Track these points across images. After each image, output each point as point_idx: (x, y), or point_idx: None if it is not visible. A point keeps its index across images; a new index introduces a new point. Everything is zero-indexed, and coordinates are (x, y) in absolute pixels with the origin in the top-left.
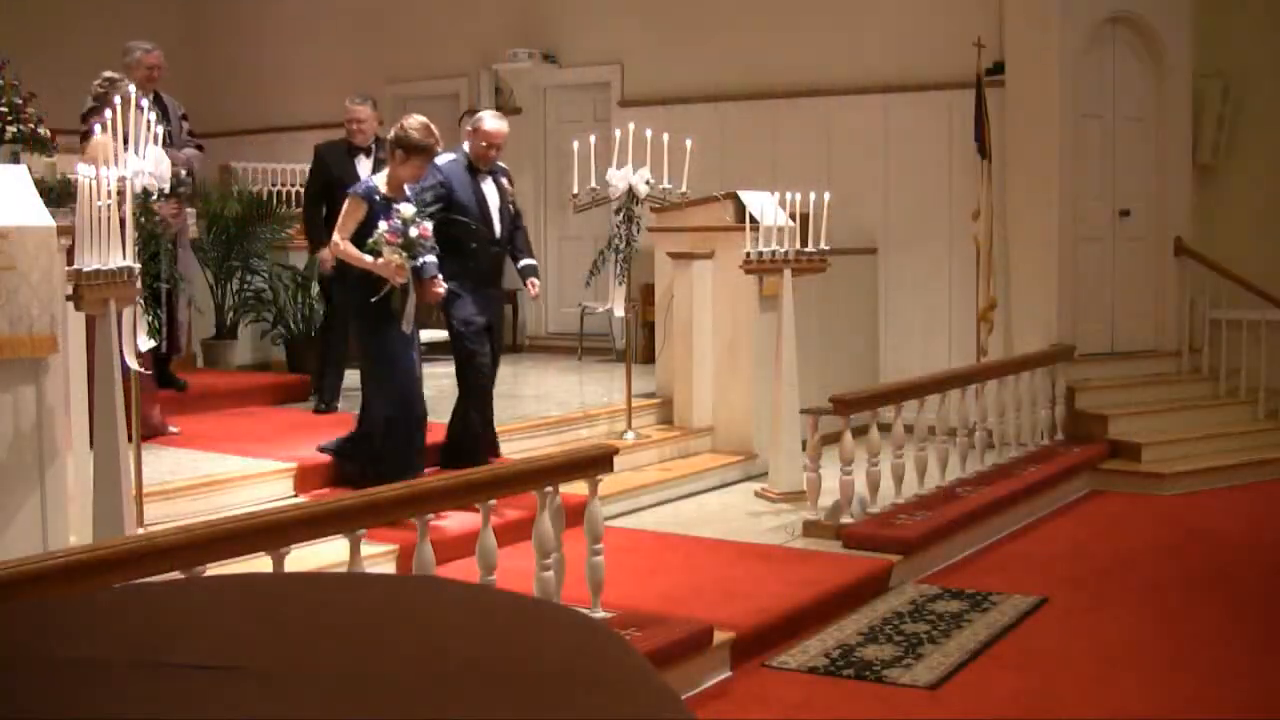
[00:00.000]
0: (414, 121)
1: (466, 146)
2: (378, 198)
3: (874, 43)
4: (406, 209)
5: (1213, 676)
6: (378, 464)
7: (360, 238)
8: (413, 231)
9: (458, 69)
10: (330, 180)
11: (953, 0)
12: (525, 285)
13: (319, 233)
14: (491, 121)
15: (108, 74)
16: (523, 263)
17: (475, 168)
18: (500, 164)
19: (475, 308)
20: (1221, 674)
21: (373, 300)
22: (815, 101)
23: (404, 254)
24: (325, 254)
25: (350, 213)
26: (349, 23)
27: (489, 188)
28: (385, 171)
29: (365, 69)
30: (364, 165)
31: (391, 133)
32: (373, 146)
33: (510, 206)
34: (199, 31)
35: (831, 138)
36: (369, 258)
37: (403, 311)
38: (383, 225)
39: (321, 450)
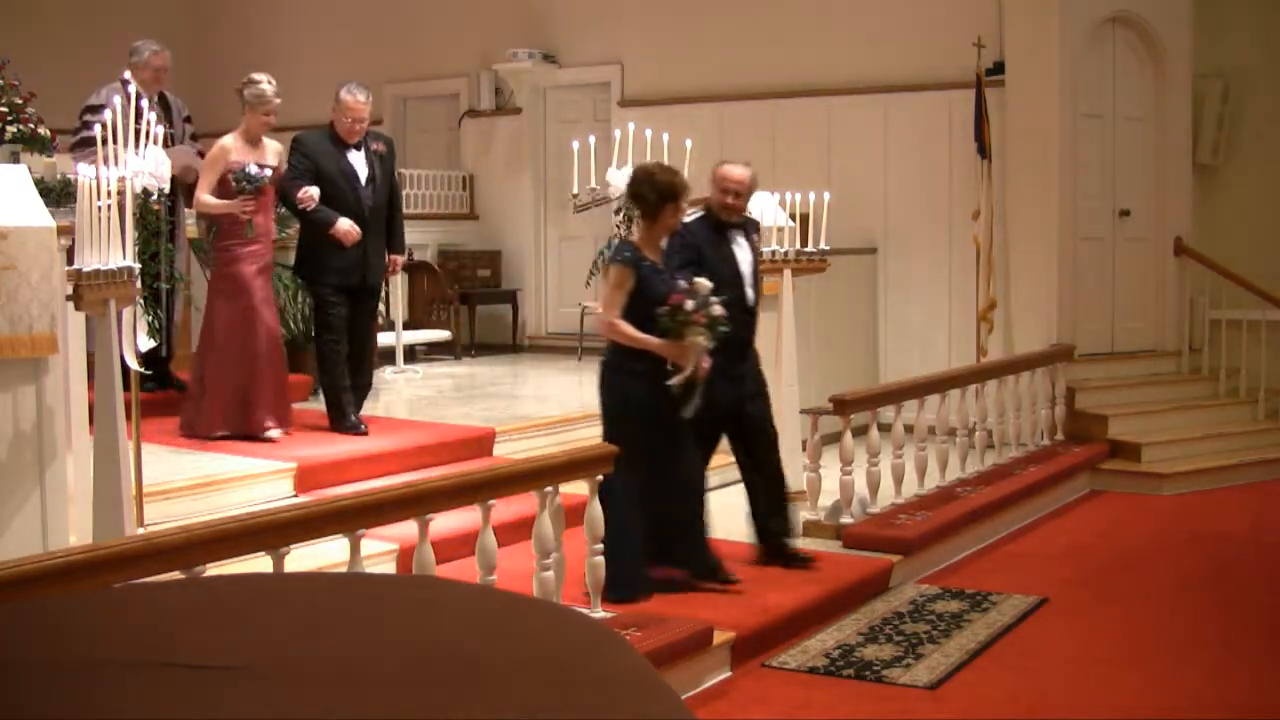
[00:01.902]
0: (652, 165)
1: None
2: (645, 264)
3: (874, 43)
4: (703, 281)
5: (1213, 676)
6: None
7: (636, 313)
8: (716, 309)
9: (458, 69)
10: (319, 174)
11: (953, 0)
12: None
13: (307, 218)
14: (733, 169)
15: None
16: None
17: (723, 223)
18: (750, 216)
19: (722, 386)
20: (1221, 674)
21: (668, 384)
22: (815, 101)
23: (708, 334)
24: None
25: (618, 285)
26: (349, 23)
27: (739, 246)
28: (635, 233)
29: (365, 69)
30: (358, 159)
31: (626, 183)
32: (363, 140)
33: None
34: (199, 31)
35: (831, 138)
36: (646, 338)
37: (690, 399)
38: (689, 303)
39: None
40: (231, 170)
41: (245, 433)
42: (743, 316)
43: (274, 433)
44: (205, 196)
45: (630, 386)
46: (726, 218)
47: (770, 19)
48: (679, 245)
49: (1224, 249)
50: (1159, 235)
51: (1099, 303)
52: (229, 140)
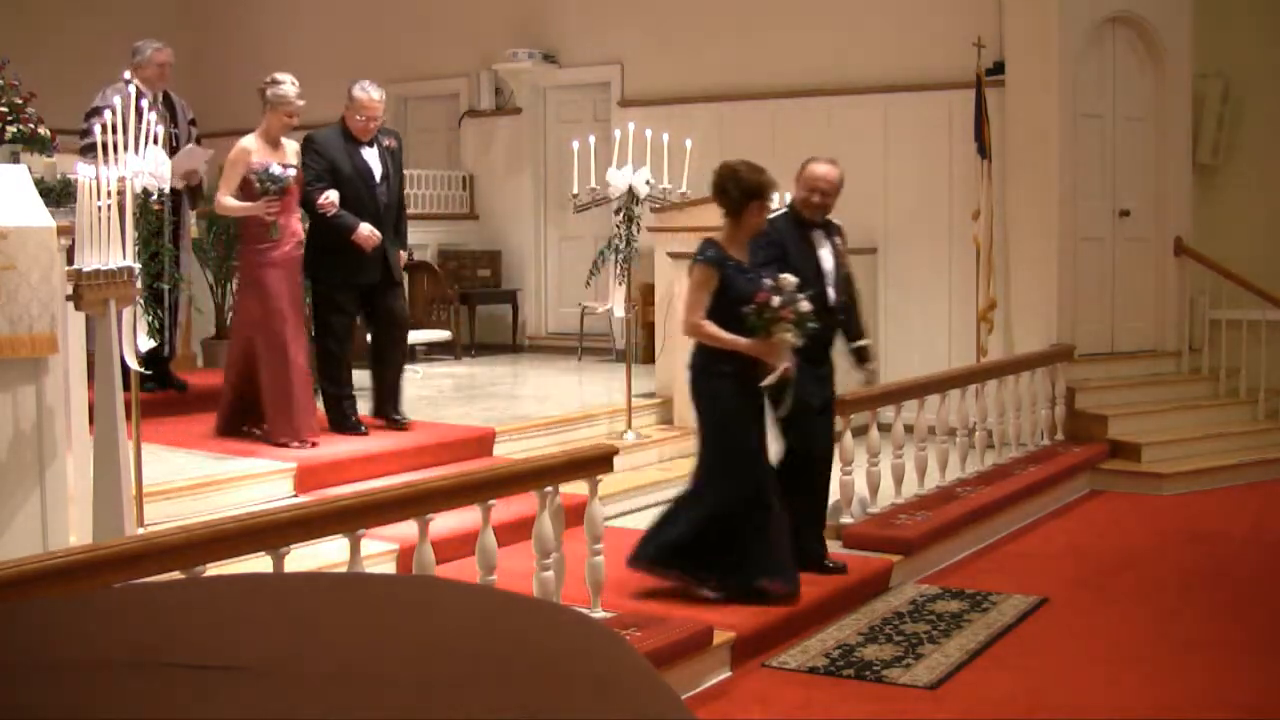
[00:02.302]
0: (737, 161)
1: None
2: (730, 263)
3: (874, 43)
4: (789, 277)
5: (1213, 676)
6: (715, 569)
7: (720, 313)
8: (804, 305)
9: (458, 69)
10: (335, 173)
11: (953, 0)
12: (862, 371)
13: (327, 223)
14: (820, 166)
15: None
16: (856, 344)
17: (804, 220)
18: (834, 219)
19: (809, 388)
20: (1221, 673)
21: (762, 385)
22: (815, 101)
23: (796, 331)
24: (366, 233)
25: (702, 284)
26: (349, 22)
27: (823, 246)
28: (722, 233)
29: (365, 69)
30: (371, 156)
31: (713, 180)
32: (374, 137)
33: (844, 269)
34: (199, 31)
35: (831, 138)
36: (734, 338)
37: (784, 398)
38: (776, 299)
39: (635, 564)
40: (254, 171)
41: (274, 440)
42: (825, 316)
43: (300, 449)
44: (228, 199)
45: (719, 388)
46: (811, 216)
47: (770, 19)
48: (764, 243)
49: (1224, 249)
50: (1159, 235)
51: (1099, 303)
52: (249, 141)
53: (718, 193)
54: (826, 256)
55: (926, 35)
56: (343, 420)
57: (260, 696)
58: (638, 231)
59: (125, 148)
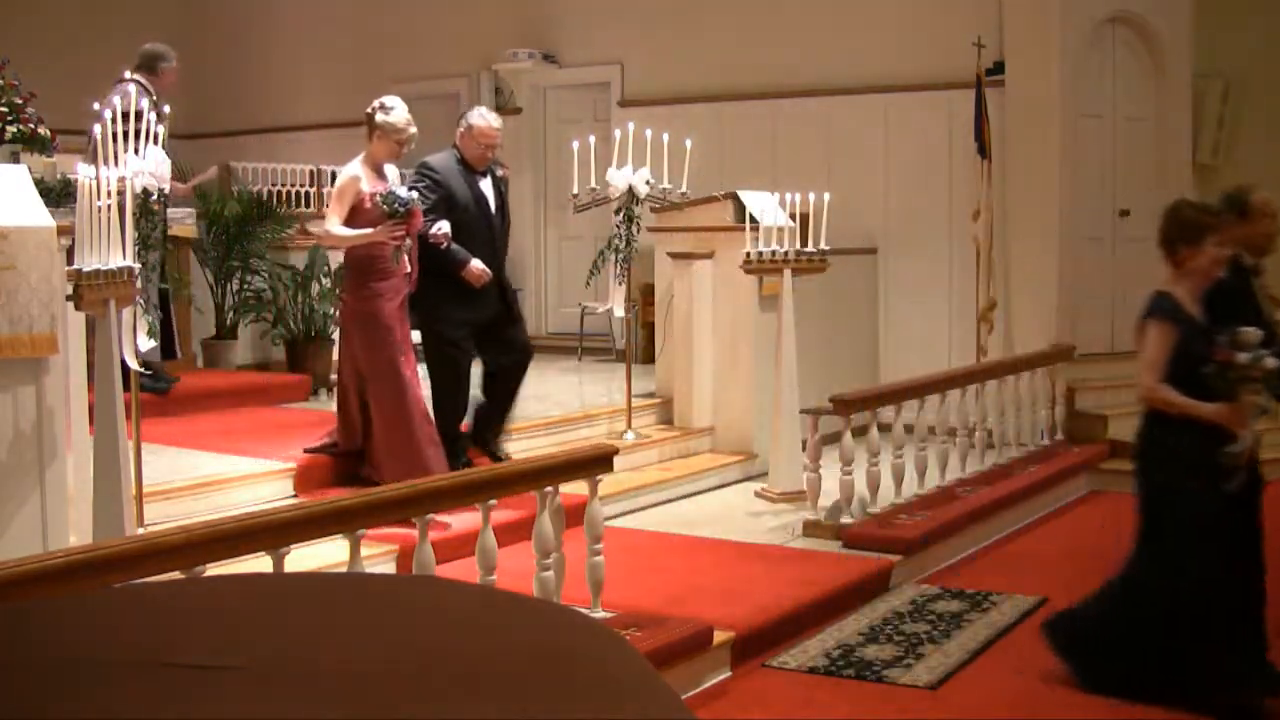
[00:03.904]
0: (1181, 201)
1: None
2: (1183, 317)
3: (874, 43)
4: (1252, 330)
5: None
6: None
7: (1182, 373)
8: (1270, 362)
9: (458, 69)
10: (453, 202)
11: (953, 0)
12: None
13: (437, 258)
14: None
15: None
16: None
17: (1246, 268)
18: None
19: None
20: None
21: (1225, 453)
22: (815, 101)
23: (1266, 392)
24: (475, 268)
25: (1161, 343)
26: (349, 22)
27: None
28: (1168, 282)
29: (365, 69)
30: (487, 186)
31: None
32: (488, 166)
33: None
34: (199, 31)
35: (831, 138)
36: (1198, 404)
37: (1237, 470)
38: (1241, 356)
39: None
40: (376, 194)
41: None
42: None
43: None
44: (340, 229)
45: (1179, 458)
46: (1256, 262)
47: (770, 19)
48: (1213, 293)
49: None
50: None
51: (1099, 303)
52: (356, 168)
53: (1161, 242)
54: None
55: (926, 35)
56: (455, 463)
57: (260, 696)
58: (638, 231)
59: (126, 147)
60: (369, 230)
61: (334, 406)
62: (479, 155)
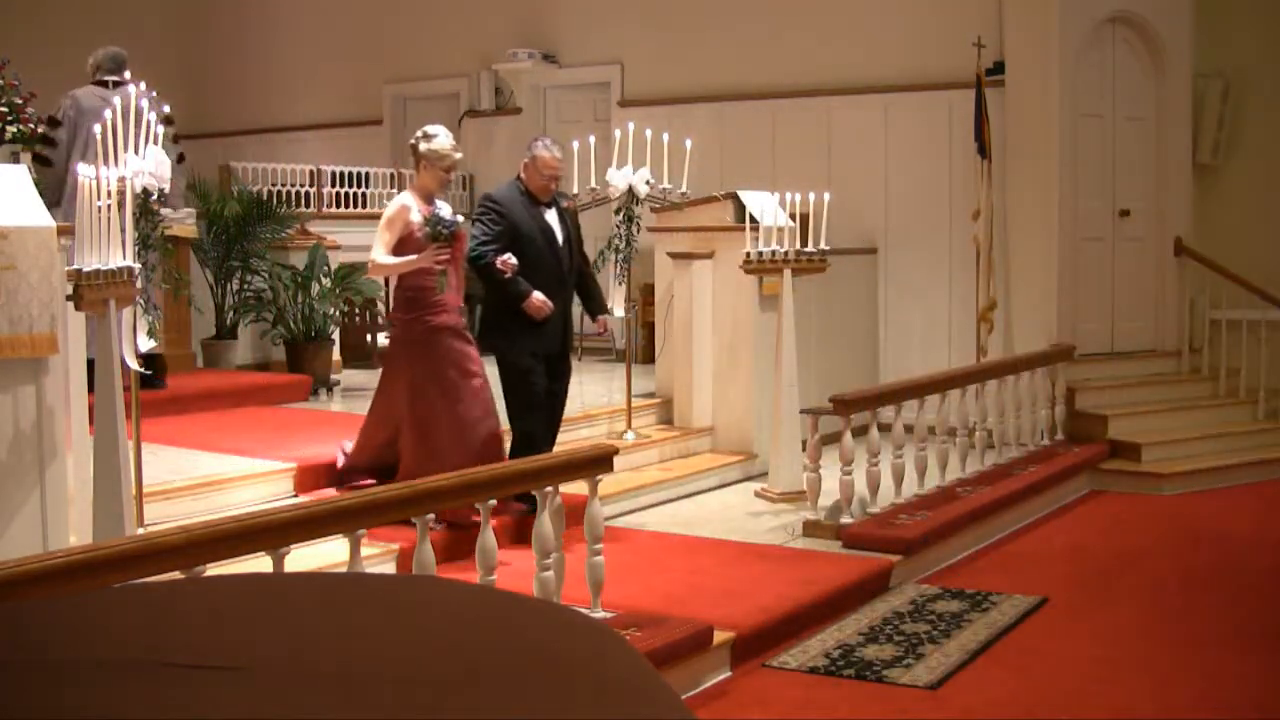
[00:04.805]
0: None
1: None
2: None
3: (874, 43)
4: None
5: (1213, 676)
6: None
7: None
8: None
9: (458, 69)
10: (517, 233)
11: (952, 0)
12: None
13: (499, 289)
14: None
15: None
16: None
17: None
18: None
19: None
20: (1222, 674)
21: None
22: (815, 101)
23: None
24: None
25: None
26: (349, 23)
27: None
28: None
29: (366, 69)
30: (552, 217)
31: None
32: (554, 197)
33: None
34: (199, 31)
35: (831, 138)
36: None
37: None
38: None
39: None
40: (421, 217)
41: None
42: None
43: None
44: (387, 258)
45: None
46: None
47: (770, 19)
48: None
49: (1224, 249)
50: (1159, 235)
51: (1099, 303)
52: (407, 199)
53: None
54: None
55: (926, 35)
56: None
57: (260, 696)
58: (638, 231)
59: (126, 147)
60: (414, 257)
61: (334, 406)
62: (543, 186)
